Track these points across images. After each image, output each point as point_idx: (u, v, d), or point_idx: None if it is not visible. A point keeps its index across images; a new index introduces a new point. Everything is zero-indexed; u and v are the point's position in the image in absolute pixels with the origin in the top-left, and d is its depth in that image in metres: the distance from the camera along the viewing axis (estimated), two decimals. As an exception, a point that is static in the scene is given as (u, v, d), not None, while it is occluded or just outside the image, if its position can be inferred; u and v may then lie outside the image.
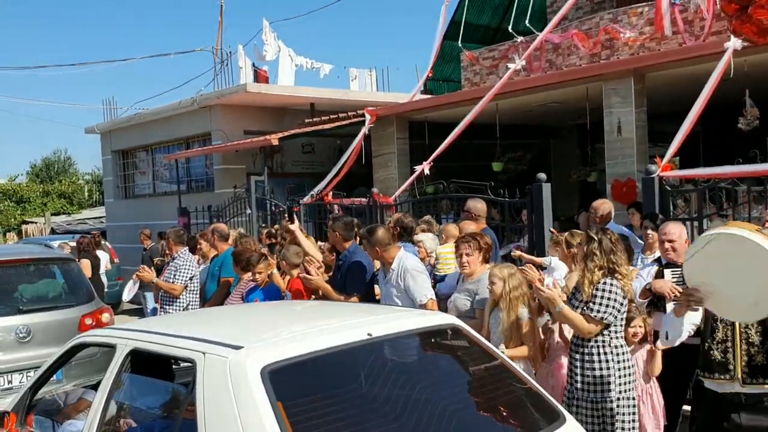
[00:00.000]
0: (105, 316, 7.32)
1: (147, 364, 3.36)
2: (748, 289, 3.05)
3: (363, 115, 12.16)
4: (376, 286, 5.82)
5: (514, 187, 8.07)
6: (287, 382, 2.70)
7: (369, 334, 3.00)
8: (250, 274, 6.69)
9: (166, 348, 3.09)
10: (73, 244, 12.72)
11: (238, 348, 2.74)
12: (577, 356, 4.19)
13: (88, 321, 7.08)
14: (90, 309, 7.25)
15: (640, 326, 4.69)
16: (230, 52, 16.62)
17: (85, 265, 11.27)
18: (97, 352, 4.93)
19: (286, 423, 2.47)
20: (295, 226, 6.66)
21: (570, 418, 3.17)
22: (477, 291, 4.98)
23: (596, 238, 4.19)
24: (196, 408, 2.66)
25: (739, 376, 3.43)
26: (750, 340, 3.44)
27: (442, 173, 10.30)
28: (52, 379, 4.40)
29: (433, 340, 3.44)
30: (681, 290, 3.39)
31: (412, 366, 3.29)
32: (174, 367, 3.70)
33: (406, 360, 3.30)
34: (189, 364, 2.89)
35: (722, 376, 3.50)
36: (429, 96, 14.17)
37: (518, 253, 7.14)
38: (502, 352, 4.48)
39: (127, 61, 41.87)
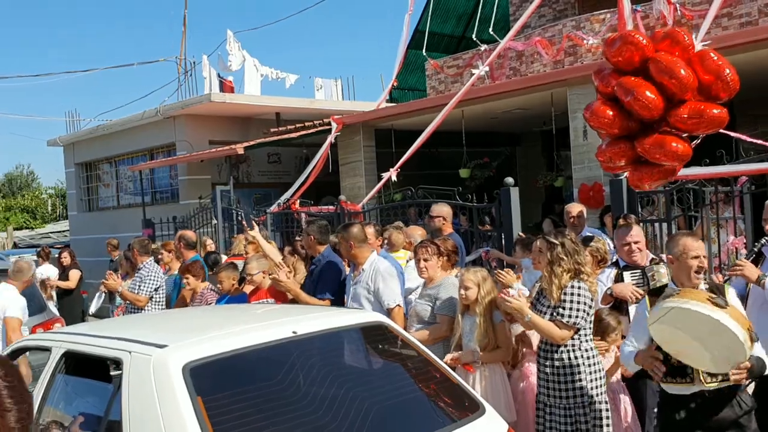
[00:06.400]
0: (56, 327, 7.19)
1: (85, 367, 3.38)
2: (705, 352, 3.37)
3: (329, 124, 12.13)
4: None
5: (481, 194, 8.09)
6: (209, 378, 2.82)
7: (294, 332, 3.11)
8: (207, 283, 6.65)
9: (96, 349, 3.18)
10: (33, 257, 12.41)
11: (162, 347, 2.88)
12: (548, 363, 4.11)
13: (40, 331, 6.93)
14: (41, 320, 7.23)
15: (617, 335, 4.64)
16: (194, 63, 16.51)
17: (74, 276, 11.01)
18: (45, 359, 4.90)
19: (204, 417, 2.60)
20: (255, 232, 6.60)
21: (489, 409, 3.29)
22: (437, 296, 4.92)
23: (558, 242, 4.13)
24: (122, 405, 2.76)
25: (701, 377, 3.49)
26: None
27: (409, 181, 10.29)
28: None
29: (358, 337, 3.55)
30: (648, 350, 3.63)
31: (337, 362, 3.40)
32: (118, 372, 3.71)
33: (330, 356, 3.41)
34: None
35: (683, 380, 3.55)
36: (395, 104, 14.20)
37: (495, 252, 7.13)
38: (480, 358, 4.48)
39: (90, 72, 41.16)
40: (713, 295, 3.41)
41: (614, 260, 5.18)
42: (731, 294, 3.70)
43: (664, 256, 5.08)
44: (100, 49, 77.14)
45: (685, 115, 3.72)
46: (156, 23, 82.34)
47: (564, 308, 4.03)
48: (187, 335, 3.19)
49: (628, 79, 3.83)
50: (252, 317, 3.84)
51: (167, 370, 2.71)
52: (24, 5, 72.75)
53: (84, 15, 78.45)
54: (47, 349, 3.43)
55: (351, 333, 3.47)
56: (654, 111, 3.78)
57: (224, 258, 8.58)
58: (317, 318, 3.44)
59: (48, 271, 11.06)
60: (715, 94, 3.76)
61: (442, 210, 6.84)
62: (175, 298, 7.45)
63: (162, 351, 2.83)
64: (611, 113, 3.95)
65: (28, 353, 3.84)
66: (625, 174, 6.65)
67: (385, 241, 6.93)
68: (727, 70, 3.73)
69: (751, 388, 3.70)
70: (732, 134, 6.99)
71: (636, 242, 4.85)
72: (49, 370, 3.27)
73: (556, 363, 4.08)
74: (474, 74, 10.28)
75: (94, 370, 3.35)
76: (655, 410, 4.97)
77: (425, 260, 5.04)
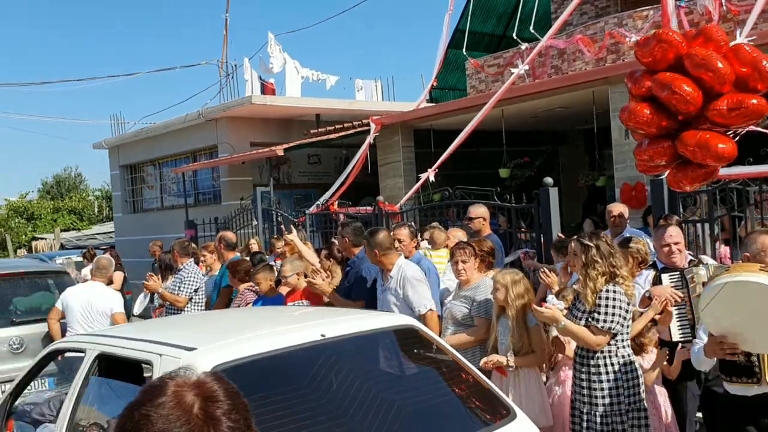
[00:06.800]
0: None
1: (119, 369, 3.44)
2: (764, 327, 3.21)
3: (368, 125, 12.14)
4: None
5: (523, 194, 8.00)
6: (236, 381, 2.76)
7: (322, 335, 3.10)
8: (248, 284, 6.70)
9: (129, 351, 3.22)
10: (79, 259, 12.74)
11: (191, 349, 2.90)
12: (584, 369, 4.01)
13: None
14: None
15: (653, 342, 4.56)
16: (235, 66, 16.72)
17: (117, 278, 11.25)
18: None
19: None
20: (293, 236, 6.61)
21: (520, 414, 3.25)
22: (474, 298, 4.86)
23: (593, 244, 4.01)
24: None
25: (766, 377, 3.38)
26: None
27: (449, 181, 10.23)
28: (45, 387, 4.56)
29: (387, 340, 3.52)
30: (714, 336, 3.41)
31: (366, 365, 3.37)
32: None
33: (360, 360, 3.38)
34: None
35: (749, 380, 3.43)
36: (434, 104, 14.15)
37: (531, 262, 7.06)
38: (512, 362, 4.40)
39: (133, 76, 42.03)
40: (765, 265, 3.29)
41: (652, 262, 5.07)
42: None
43: (704, 258, 4.93)
44: (144, 56, 78.68)
45: (724, 108, 3.64)
46: (198, 28, 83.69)
47: (599, 313, 3.92)
48: (217, 338, 3.21)
49: (663, 75, 3.77)
50: (282, 320, 3.85)
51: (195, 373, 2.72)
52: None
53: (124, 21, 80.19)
54: (81, 351, 3.48)
55: (381, 336, 3.45)
56: (692, 104, 3.71)
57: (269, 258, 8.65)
58: (347, 321, 3.43)
59: (93, 272, 11.31)
60: (753, 87, 3.69)
61: (479, 211, 6.79)
62: (215, 299, 7.56)
63: (191, 354, 2.85)
64: (648, 112, 3.87)
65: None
66: (666, 173, 6.50)
67: (426, 241, 6.92)
68: (764, 61, 3.65)
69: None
70: None
71: (675, 243, 4.72)
72: (84, 371, 3.33)
73: (592, 369, 3.97)
74: (513, 73, 10.15)
75: (129, 371, 3.41)
76: (698, 414, 4.88)
77: (464, 262, 4.99)
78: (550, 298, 4.36)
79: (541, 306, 4.09)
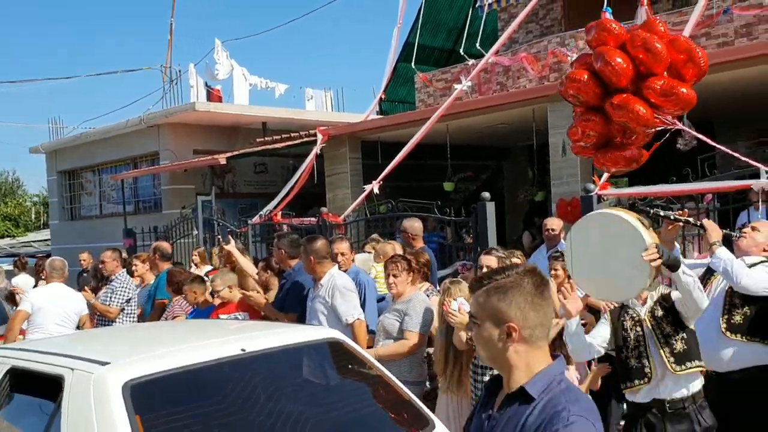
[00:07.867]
0: (19, 338, 7.08)
1: (32, 384, 3.31)
2: (623, 265, 3.30)
3: (315, 135, 12.08)
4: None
5: (467, 207, 8.10)
6: (149, 396, 2.77)
7: (242, 350, 3.06)
8: (182, 296, 6.57)
9: (40, 365, 3.11)
10: (10, 267, 12.30)
11: (104, 364, 2.82)
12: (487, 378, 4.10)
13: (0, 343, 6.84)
14: (3, 331, 7.07)
15: None
16: (180, 71, 16.45)
17: None
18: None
19: None
20: (231, 246, 6.52)
21: (439, 425, 3.28)
22: (405, 311, 4.87)
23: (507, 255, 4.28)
24: (61, 424, 2.72)
25: (670, 367, 3.54)
26: (665, 332, 3.61)
27: (397, 193, 10.25)
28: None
29: (310, 354, 3.50)
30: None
31: (286, 380, 3.32)
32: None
33: (280, 374, 3.33)
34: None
35: (640, 382, 3.62)
36: (382, 116, 14.20)
37: (469, 274, 7.12)
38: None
39: (72, 79, 40.73)
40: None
41: None
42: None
43: None
44: (84, 60, 76.68)
45: (659, 87, 3.90)
46: (143, 34, 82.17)
47: None
48: (133, 352, 3.13)
49: (602, 47, 4.03)
50: (204, 334, 3.79)
51: (106, 388, 2.66)
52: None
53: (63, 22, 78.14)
54: None
55: (303, 350, 3.42)
56: (623, 76, 3.95)
57: (207, 269, 8.50)
58: (269, 335, 3.39)
59: (25, 282, 10.92)
60: (685, 73, 3.95)
61: (408, 225, 6.87)
62: (149, 310, 7.37)
63: (103, 368, 2.77)
64: (586, 76, 4.12)
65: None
66: (596, 190, 6.67)
67: (366, 253, 6.92)
68: (698, 50, 3.92)
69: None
70: (725, 148, 7.04)
71: None
72: None
73: None
74: (456, 88, 10.26)
75: (42, 386, 3.29)
76: (621, 422, 5.01)
77: (395, 276, 5.01)
78: (460, 299, 4.37)
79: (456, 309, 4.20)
